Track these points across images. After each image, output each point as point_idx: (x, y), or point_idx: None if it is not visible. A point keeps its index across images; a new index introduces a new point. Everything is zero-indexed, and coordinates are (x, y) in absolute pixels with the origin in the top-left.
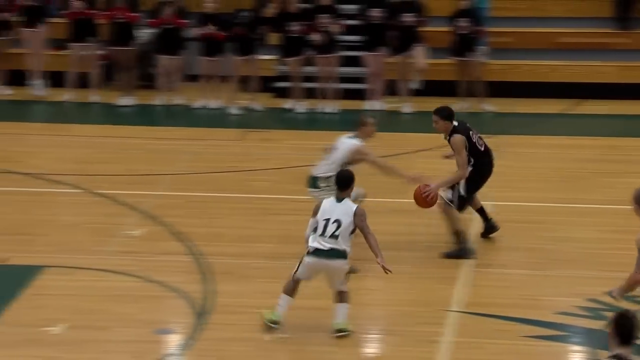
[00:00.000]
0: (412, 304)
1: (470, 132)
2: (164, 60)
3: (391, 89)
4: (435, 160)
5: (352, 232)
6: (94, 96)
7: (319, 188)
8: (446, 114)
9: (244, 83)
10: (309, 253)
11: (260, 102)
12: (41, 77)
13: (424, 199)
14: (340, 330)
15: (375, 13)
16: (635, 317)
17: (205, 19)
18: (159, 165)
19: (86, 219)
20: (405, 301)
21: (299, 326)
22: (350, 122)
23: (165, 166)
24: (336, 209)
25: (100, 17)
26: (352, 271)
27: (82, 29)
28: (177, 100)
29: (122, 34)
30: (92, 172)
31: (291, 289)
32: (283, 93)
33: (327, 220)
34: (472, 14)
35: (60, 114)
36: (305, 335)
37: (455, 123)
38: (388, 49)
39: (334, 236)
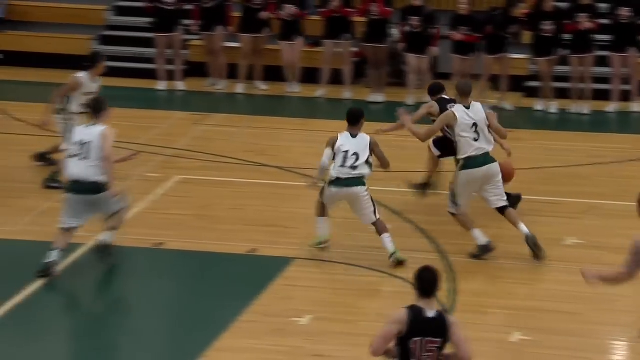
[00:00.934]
0: None
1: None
2: (413, 59)
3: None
4: None
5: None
6: (346, 92)
7: None
8: None
9: (495, 82)
10: (330, 182)
11: (511, 101)
12: (295, 73)
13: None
14: (396, 260)
15: (624, 12)
16: (435, 272)
17: (458, 20)
18: (406, 162)
19: (334, 213)
20: None
21: (541, 329)
22: (601, 123)
23: (414, 163)
24: (353, 143)
25: (355, 14)
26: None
27: (336, 26)
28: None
29: (376, 31)
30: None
31: (321, 210)
32: (534, 93)
33: (346, 152)
34: None
35: (313, 109)
36: (547, 338)
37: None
38: (638, 49)
39: (353, 167)
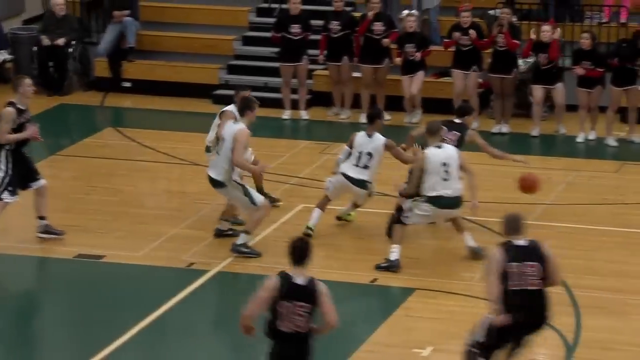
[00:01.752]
0: None
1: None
2: (539, 90)
3: None
4: None
5: None
6: (473, 123)
7: None
8: None
9: (623, 114)
10: (342, 174)
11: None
12: (417, 104)
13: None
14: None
15: None
16: (307, 242)
17: (580, 55)
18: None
19: (457, 245)
20: None
21: None
22: None
23: (538, 195)
24: (369, 143)
25: (482, 46)
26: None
27: (465, 57)
28: (559, 129)
29: (502, 62)
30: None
31: (323, 205)
32: None
33: (361, 152)
34: None
35: None
36: None
37: None
38: None
39: (365, 167)
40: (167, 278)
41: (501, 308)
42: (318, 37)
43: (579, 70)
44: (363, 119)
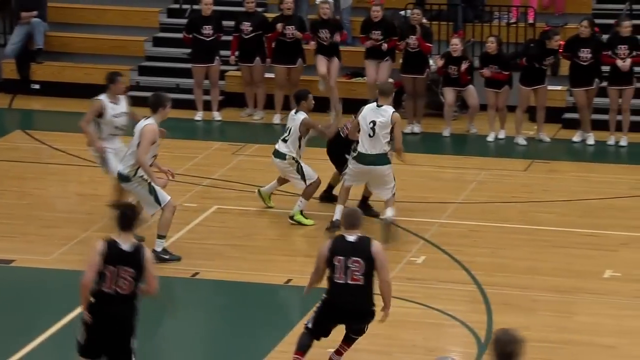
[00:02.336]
0: None
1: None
2: (450, 92)
3: None
4: None
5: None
6: None
7: None
8: None
9: (532, 113)
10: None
11: (548, 132)
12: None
13: None
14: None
15: None
16: (135, 209)
17: (487, 59)
18: (443, 193)
19: None
20: None
21: None
22: (637, 155)
23: (449, 194)
24: (292, 120)
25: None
26: None
27: (377, 51)
28: (470, 129)
29: (415, 62)
30: (377, 198)
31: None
32: (572, 124)
33: (285, 127)
34: None
35: None
36: None
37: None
38: None
39: (284, 140)
40: (78, 282)
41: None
42: (230, 38)
43: (486, 72)
44: (276, 119)
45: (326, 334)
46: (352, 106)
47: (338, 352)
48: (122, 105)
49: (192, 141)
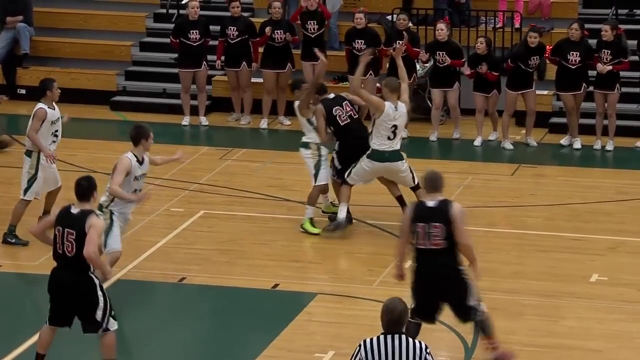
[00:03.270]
0: None
1: (335, 107)
2: (437, 94)
3: None
4: None
5: None
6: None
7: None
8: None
9: (520, 118)
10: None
11: (535, 137)
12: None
13: None
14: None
15: None
16: (91, 180)
17: (477, 60)
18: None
19: (357, 249)
20: None
21: None
22: (626, 160)
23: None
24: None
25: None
26: None
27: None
28: (453, 134)
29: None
30: (365, 203)
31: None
32: (558, 129)
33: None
34: None
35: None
36: None
37: (329, 96)
38: None
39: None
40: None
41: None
42: (216, 42)
43: (465, 70)
44: (264, 124)
45: (431, 314)
46: None
47: (492, 349)
48: (58, 111)
49: (179, 146)
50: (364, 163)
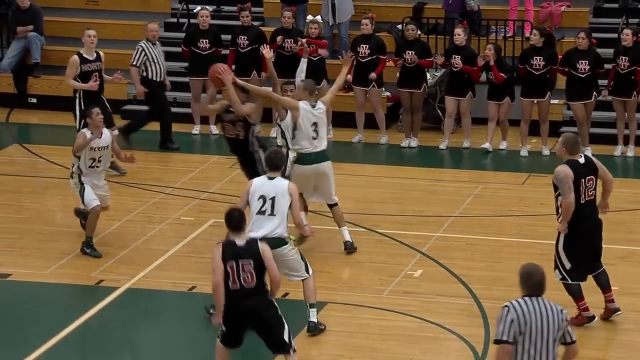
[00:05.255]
0: None
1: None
2: (450, 102)
3: None
4: None
5: None
6: (382, 137)
7: None
8: None
9: (533, 126)
10: None
11: (549, 145)
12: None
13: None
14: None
15: None
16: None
17: (487, 66)
18: (440, 206)
19: (367, 257)
20: None
21: None
22: (636, 169)
23: (446, 208)
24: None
25: (391, 62)
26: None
27: (367, 73)
28: (464, 142)
29: (412, 77)
30: (374, 212)
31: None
32: None
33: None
34: None
35: (347, 154)
36: None
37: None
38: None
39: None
40: (75, 296)
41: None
42: (227, 51)
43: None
44: (273, 133)
45: (589, 266)
46: (348, 119)
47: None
48: (105, 140)
49: (189, 155)
50: (294, 171)
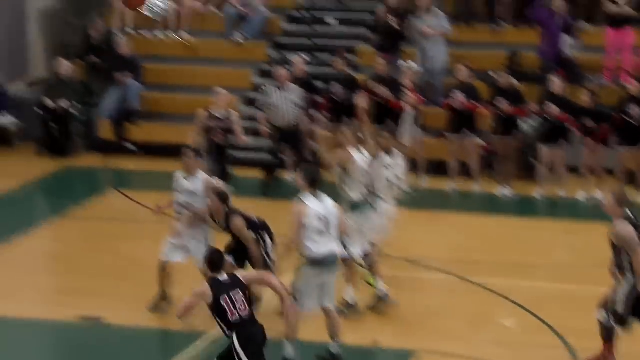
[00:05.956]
0: None
1: None
2: (546, 151)
3: None
4: None
5: None
6: (475, 185)
7: None
8: None
9: (631, 176)
10: None
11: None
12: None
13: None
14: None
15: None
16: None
17: (581, 112)
18: (535, 256)
19: (460, 306)
20: None
21: None
22: None
23: (541, 257)
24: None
25: (482, 111)
26: None
27: (461, 121)
28: (559, 192)
29: (505, 125)
30: (467, 260)
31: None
32: None
33: None
34: None
35: (442, 202)
36: None
37: None
38: None
39: None
40: (166, 340)
41: None
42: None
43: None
44: None
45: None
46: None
47: None
48: (194, 184)
49: (280, 202)
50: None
